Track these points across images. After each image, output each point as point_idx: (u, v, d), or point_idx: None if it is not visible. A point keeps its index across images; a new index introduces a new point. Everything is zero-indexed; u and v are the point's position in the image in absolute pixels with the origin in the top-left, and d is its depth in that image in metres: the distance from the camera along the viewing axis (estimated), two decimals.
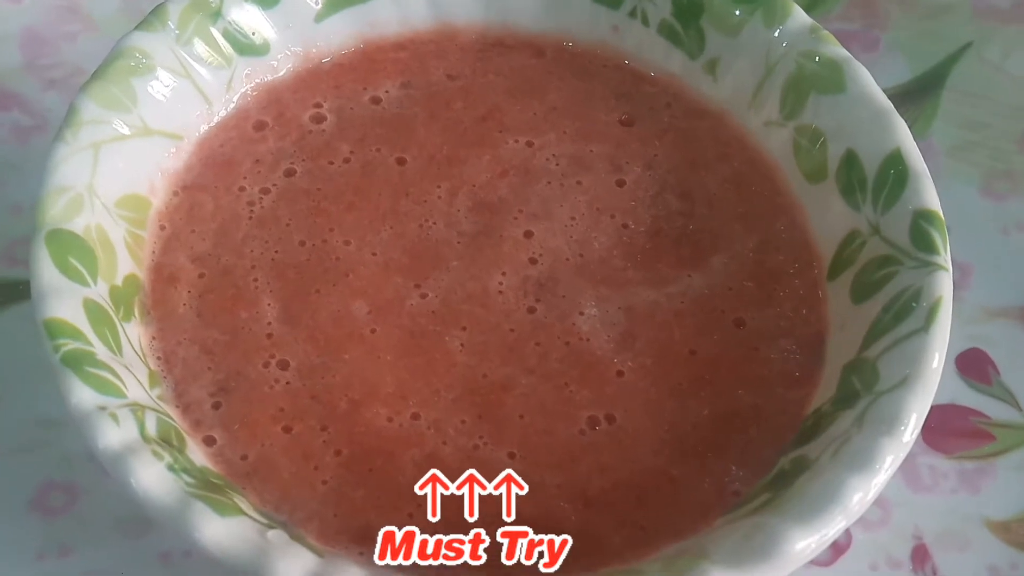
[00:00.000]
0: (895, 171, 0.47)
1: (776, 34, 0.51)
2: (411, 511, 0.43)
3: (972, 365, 0.57)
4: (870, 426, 0.42)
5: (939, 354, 0.44)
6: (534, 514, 0.44)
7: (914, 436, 0.42)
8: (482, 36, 0.54)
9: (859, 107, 0.49)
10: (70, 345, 0.42)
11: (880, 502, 0.53)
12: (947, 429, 0.55)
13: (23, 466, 0.52)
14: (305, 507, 0.43)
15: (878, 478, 0.41)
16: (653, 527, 0.44)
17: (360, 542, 0.43)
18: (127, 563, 0.50)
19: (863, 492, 0.41)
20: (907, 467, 0.54)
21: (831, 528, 0.40)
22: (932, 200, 0.47)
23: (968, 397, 0.56)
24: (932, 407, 0.43)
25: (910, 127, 0.49)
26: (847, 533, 0.53)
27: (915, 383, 0.43)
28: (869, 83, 0.50)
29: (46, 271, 0.44)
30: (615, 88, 0.54)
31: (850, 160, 0.49)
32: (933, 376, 0.43)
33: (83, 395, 0.41)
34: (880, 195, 0.48)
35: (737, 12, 0.52)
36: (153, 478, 0.40)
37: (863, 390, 0.44)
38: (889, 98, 0.50)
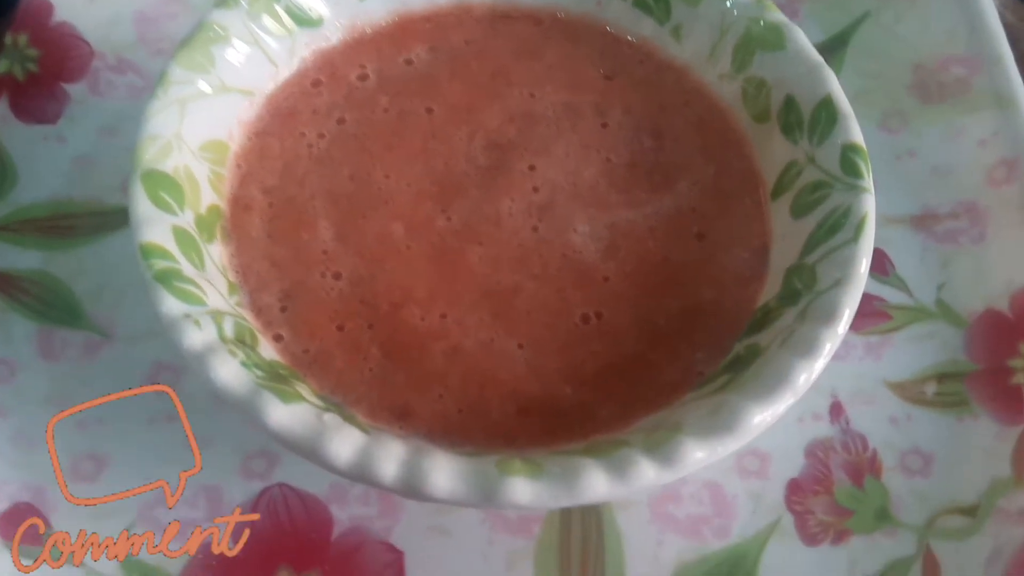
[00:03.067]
0: (827, 112, 0.40)
1: (728, 4, 0.43)
2: (441, 392, 0.37)
3: (874, 262, 0.48)
4: (811, 319, 0.36)
5: (866, 260, 0.37)
6: (539, 391, 0.37)
7: (847, 327, 0.36)
8: (492, 10, 0.46)
9: (797, 61, 0.42)
10: (161, 264, 0.35)
11: None
12: (857, 312, 0.48)
13: (140, 350, 0.46)
14: (355, 390, 0.37)
15: (819, 362, 0.35)
16: (633, 401, 0.37)
17: (400, 418, 0.37)
18: (219, 428, 0.44)
19: (807, 374, 0.35)
20: None
21: (782, 404, 0.34)
22: (857, 136, 0.40)
23: (872, 287, 0.49)
24: None
25: None
26: None
27: (847, 284, 0.37)
28: (804, 42, 0.42)
29: (141, 204, 0.37)
30: (599, 49, 0.46)
31: (789, 104, 0.41)
32: (861, 278, 0.37)
33: (171, 305, 0.35)
34: (815, 132, 0.40)
35: None
36: (229, 372, 0.34)
37: (804, 290, 0.37)
38: None
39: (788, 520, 0.43)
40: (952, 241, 0.50)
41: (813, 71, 0.41)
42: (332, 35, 0.45)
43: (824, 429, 0.46)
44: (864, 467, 0.45)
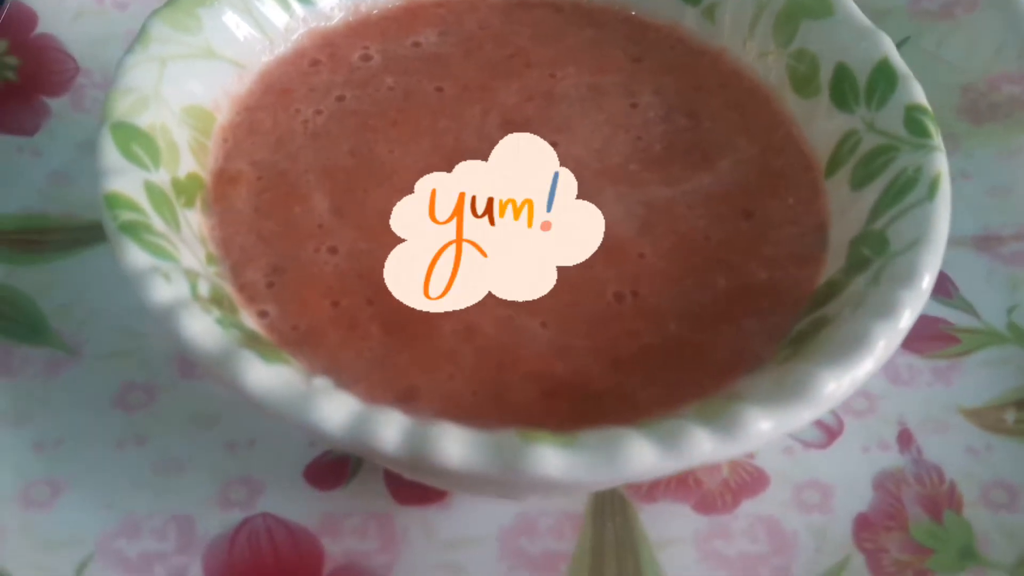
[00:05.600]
0: (885, 76, 0.36)
1: None
2: (451, 372, 0.32)
3: (935, 283, 0.44)
4: (887, 282, 0.31)
5: (945, 218, 0.32)
6: (566, 372, 0.32)
7: (929, 287, 0.31)
8: None
9: (847, 28, 0.38)
10: (129, 215, 0.31)
11: (865, 394, 0.42)
12: (920, 335, 0.43)
13: (110, 369, 0.40)
14: (351, 370, 0.31)
15: (900, 324, 0.30)
16: (679, 385, 0.32)
17: (405, 400, 0.31)
18: (196, 451, 0.38)
19: (887, 338, 0.29)
20: (887, 366, 0.41)
21: (859, 370, 0.29)
22: (921, 96, 0.36)
23: (935, 309, 0.44)
24: None
25: None
26: (838, 419, 0.41)
27: (926, 243, 0.32)
28: (853, 7, 0.39)
29: (110, 154, 0.32)
30: (625, 35, 0.42)
31: (841, 72, 0.37)
32: (941, 237, 0.32)
33: (138, 257, 0.30)
34: (873, 96, 0.36)
35: None
36: (202, 328, 0.29)
37: (874, 256, 0.33)
38: None
39: (859, 560, 0.37)
40: (1021, 263, 0.46)
41: (866, 35, 0.37)
42: (334, 15, 0.41)
43: (893, 459, 0.40)
44: (942, 501, 0.39)
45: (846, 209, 0.35)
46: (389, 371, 0.31)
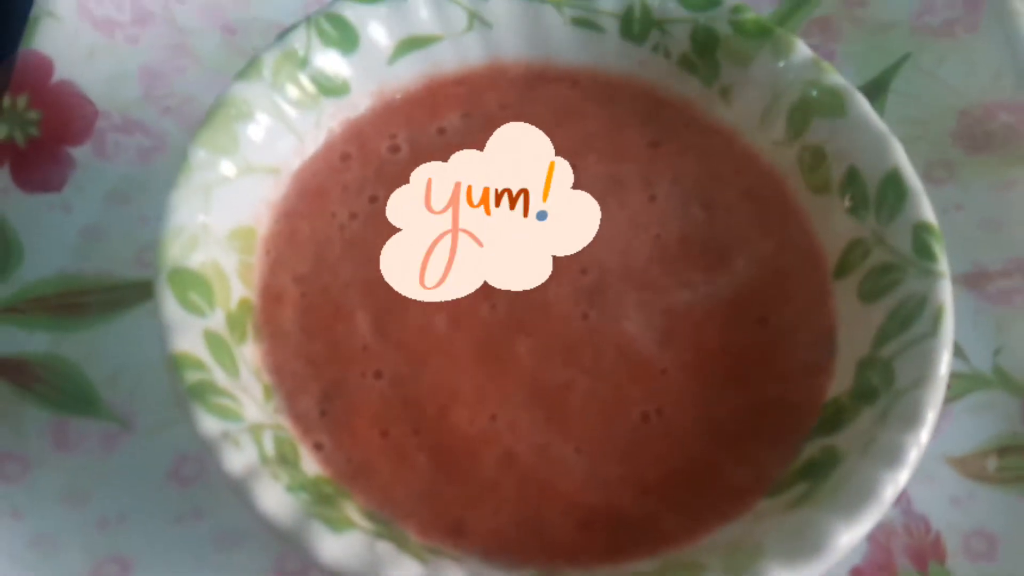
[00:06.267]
0: (895, 188, 0.38)
1: (782, 65, 0.41)
2: (495, 505, 0.34)
3: None
4: (894, 424, 0.33)
5: (947, 355, 0.34)
6: (601, 502, 0.35)
7: (931, 433, 0.33)
8: (527, 70, 0.43)
9: (859, 130, 0.39)
10: (194, 376, 0.33)
11: None
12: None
13: (162, 441, 0.43)
14: (404, 506, 0.34)
15: (905, 473, 0.32)
16: (701, 511, 0.35)
17: (455, 535, 0.34)
18: (249, 524, 0.41)
19: (894, 486, 0.32)
20: None
21: (869, 522, 0.32)
22: (929, 214, 0.37)
23: None
24: None
25: None
26: None
27: (928, 384, 0.34)
28: (867, 109, 0.39)
29: (169, 307, 0.34)
30: (641, 114, 0.43)
31: (852, 176, 0.39)
32: (944, 375, 0.34)
33: (208, 423, 0.32)
34: (882, 209, 0.38)
35: (748, 47, 0.41)
36: (274, 500, 0.31)
37: (882, 388, 0.35)
38: None
39: None
40: (1007, 302, 0.48)
41: (877, 141, 0.39)
42: (360, 103, 0.42)
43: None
44: (927, 551, 0.42)
45: (853, 320, 0.37)
46: (438, 505, 0.34)
